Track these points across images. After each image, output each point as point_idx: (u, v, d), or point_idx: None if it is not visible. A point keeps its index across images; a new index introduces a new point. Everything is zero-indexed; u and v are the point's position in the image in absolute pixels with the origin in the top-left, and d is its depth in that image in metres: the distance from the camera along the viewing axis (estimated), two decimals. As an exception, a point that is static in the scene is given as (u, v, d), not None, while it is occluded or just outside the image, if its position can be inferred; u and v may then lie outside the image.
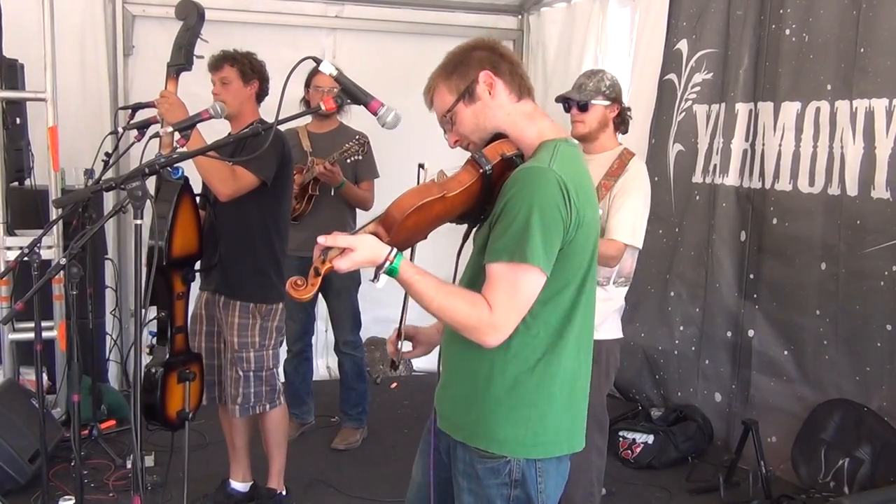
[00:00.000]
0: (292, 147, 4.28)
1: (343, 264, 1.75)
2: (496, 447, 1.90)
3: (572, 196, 1.81)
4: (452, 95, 1.94)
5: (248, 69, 3.38)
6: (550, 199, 1.78)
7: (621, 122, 3.23)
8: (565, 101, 3.18)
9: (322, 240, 1.77)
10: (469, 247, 2.04)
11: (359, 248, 1.76)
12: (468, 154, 1.95)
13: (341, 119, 4.42)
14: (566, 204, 1.80)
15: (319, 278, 1.74)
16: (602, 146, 3.16)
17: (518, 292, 1.81)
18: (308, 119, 4.37)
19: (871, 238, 3.67)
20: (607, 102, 3.15)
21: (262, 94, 3.47)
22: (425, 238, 1.97)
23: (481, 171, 1.87)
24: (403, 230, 1.84)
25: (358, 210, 4.41)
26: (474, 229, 2.02)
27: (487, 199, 1.91)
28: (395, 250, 1.79)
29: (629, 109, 3.25)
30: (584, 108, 3.13)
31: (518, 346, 1.87)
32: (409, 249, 2.01)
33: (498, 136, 1.95)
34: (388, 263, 1.77)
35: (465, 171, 1.90)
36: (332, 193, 4.22)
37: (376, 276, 1.79)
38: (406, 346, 2.16)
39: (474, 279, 1.90)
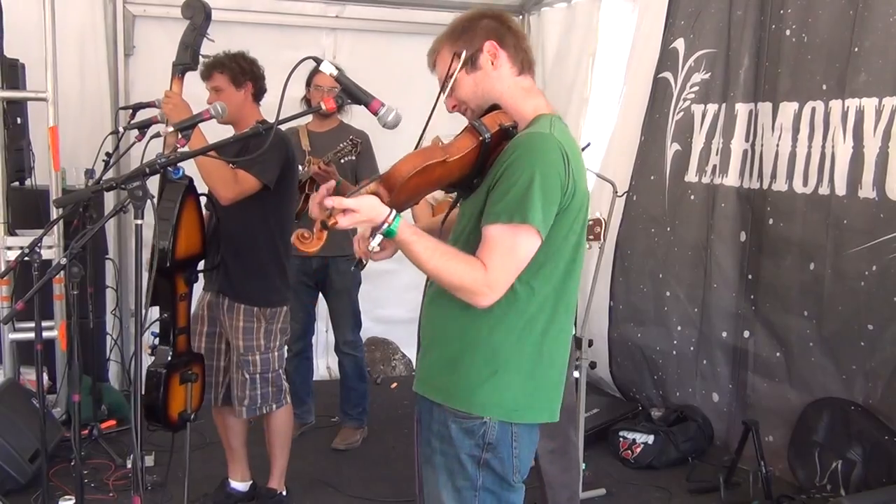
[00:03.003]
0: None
1: (345, 222, 1.77)
2: (477, 409, 1.91)
3: (571, 164, 1.85)
4: (456, 60, 1.96)
5: (238, 73, 3.32)
6: (552, 164, 1.82)
7: None
8: None
9: (329, 202, 1.77)
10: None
11: (361, 210, 1.77)
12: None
13: (342, 118, 4.42)
14: (566, 170, 1.83)
15: (325, 232, 1.76)
16: None
17: (514, 253, 1.83)
18: (309, 118, 4.37)
19: (856, 238, 3.68)
20: None
21: (259, 94, 3.42)
22: (417, 203, 2.02)
23: (480, 138, 1.89)
24: (405, 191, 1.86)
25: None
26: (462, 200, 2.04)
27: (480, 169, 1.93)
28: (394, 212, 1.80)
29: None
30: None
31: (506, 311, 1.88)
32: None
33: (494, 107, 1.98)
34: (386, 225, 1.79)
35: (465, 137, 1.91)
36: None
37: (373, 236, 1.81)
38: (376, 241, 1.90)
39: (461, 248, 1.92)
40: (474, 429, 1.92)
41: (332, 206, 1.77)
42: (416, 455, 2.11)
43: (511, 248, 1.82)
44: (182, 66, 3.09)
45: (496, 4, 5.91)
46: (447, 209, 1.94)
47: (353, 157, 4.20)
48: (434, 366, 2.00)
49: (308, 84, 4.24)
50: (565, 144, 1.86)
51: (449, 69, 1.96)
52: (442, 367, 1.97)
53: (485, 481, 1.95)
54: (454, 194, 2.10)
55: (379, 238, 1.81)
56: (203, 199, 3.25)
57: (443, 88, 1.98)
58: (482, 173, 1.92)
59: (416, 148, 1.93)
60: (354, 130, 4.32)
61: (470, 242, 1.89)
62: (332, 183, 1.85)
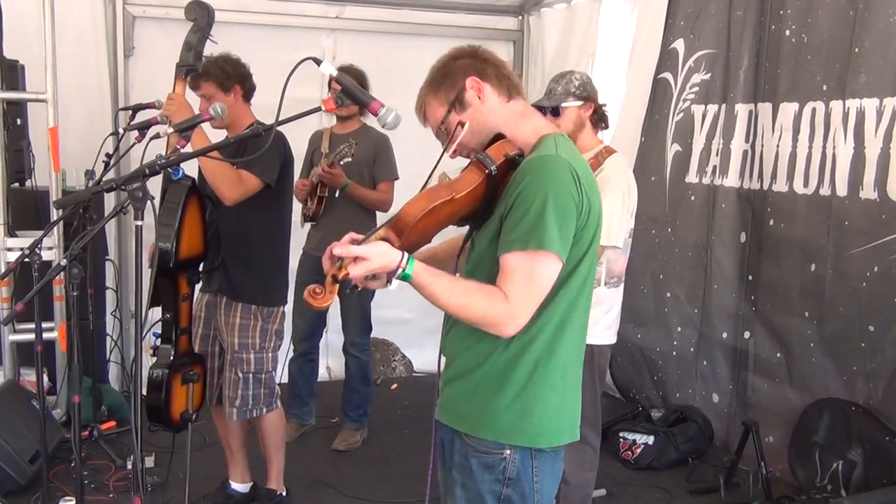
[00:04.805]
0: (315, 148, 4.33)
1: (357, 271, 1.74)
2: (501, 436, 1.89)
3: (582, 182, 1.83)
4: (443, 107, 1.96)
5: (224, 78, 3.28)
6: (563, 186, 1.80)
7: (599, 119, 3.22)
8: (539, 109, 3.09)
9: (338, 251, 1.75)
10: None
11: (372, 257, 1.74)
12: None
13: (365, 120, 4.40)
14: (578, 190, 1.81)
15: (337, 286, 1.72)
16: (582, 147, 3.12)
17: (534, 280, 1.81)
18: (333, 120, 4.44)
19: (858, 239, 3.68)
20: (580, 102, 3.12)
21: (248, 93, 3.40)
22: (430, 241, 1.96)
23: (487, 171, 1.87)
24: (414, 234, 1.84)
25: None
26: (475, 232, 2.01)
27: (490, 201, 1.91)
28: (406, 255, 1.78)
29: (604, 105, 3.23)
30: (556, 112, 3.09)
31: (526, 335, 1.86)
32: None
33: (497, 137, 1.96)
34: (400, 269, 1.76)
35: (471, 172, 1.89)
36: (336, 195, 4.21)
37: (389, 281, 1.78)
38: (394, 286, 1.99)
39: (475, 278, 1.89)
40: (494, 463, 1.89)
41: (342, 254, 1.74)
42: (429, 478, 2.07)
43: (530, 274, 1.80)
44: (185, 68, 3.09)
45: (496, 6, 5.94)
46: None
47: (350, 159, 4.18)
48: (457, 395, 1.97)
49: (329, 87, 4.23)
50: (574, 163, 1.84)
51: (453, 133, 1.94)
52: (465, 396, 1.93)
53: None
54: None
55: (397, 283, 1.78)
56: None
57: (447, 147, 1.96)
58: (492, 205, 1.90)
59: (423, 188, 1.91)
60: (377, 132, 4.30)
61: (485, 272, 1.87)
62: (352, 236, 1.80)
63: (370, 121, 4.37)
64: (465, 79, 1.94)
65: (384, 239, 1.81)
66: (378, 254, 1.75)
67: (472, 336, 1.89)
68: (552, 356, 1.89)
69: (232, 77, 3.31)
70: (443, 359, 2.05)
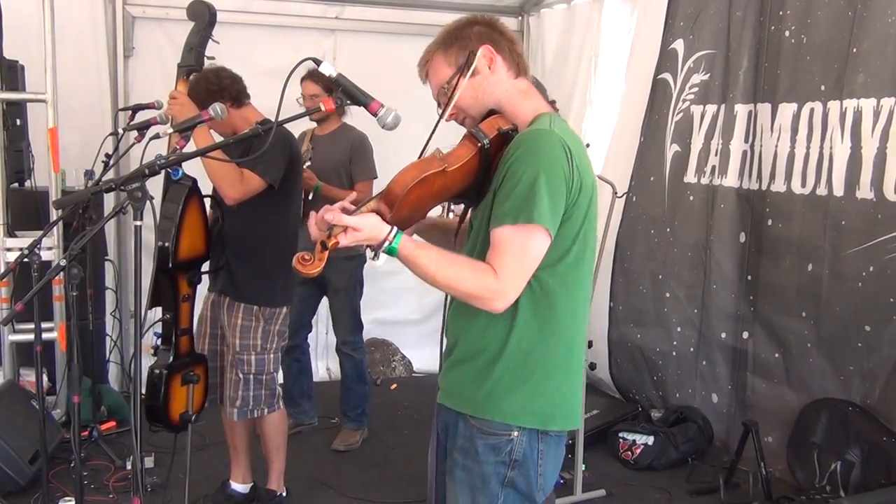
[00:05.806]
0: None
1: (346, 241, 1.75)
2: (510, 418, 1.87)
3: (574, 158, 1.82)
4: (451, 68, 1.94)
5: (205, 96, 3.15)
6: (555, 160, 1.79)
7: None
8: None
9: (329, 217, 1.76)
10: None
11: (363, 228, 1.75)
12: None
13: (344, 120, 4.40)
14: (569, 165, 1.81)
15: (326, 252, 1.72)
16: None
17: (524, 254, 1.80)
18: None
19: (854, 239, 3.68)
20: None
21: (237, 99, 3.29)
22: (424, 216, 1.96)
23: (479, 144, 1.87)
24: (406, 205, 1.82)
25: None
26: (471, 210, 2.01)
27: (485, 177, 1.90)
28: (395, 230, 1.78)
29: (554, 102, 3.23)
30: None
31: (531, 315, 1.86)
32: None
33: (492, 112, 1.95)
34: (387, 243, 1.77)
35: (464, 145, 1.89)
36: (310, 198, 4.20)
37: (376, 255, 1.78)
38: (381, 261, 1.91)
39: (476, 258, 1.89)
40: (500, 445, 1.88)
41: (332, 220, 1.74)
42: (435, 470, 2.08)
43: (520, 249, 1.79)
44: (187, 68, 3.08)
45: (496, 6, 5.93)
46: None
47: (310, 163, 4.17)
48: (462, 378, 1.95)
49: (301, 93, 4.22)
50: (567, 139, 1.84)
51: (454, 81, 1.92)
52: (471, 379, 1.92)
53: (506, 500, 1.91)
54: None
55: (384, 258, 1.78)
56: (207, 200, 3.25)
57: (449, 99, 1.93)
58: (487, 182, 1.89)
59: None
60: (354, 132, 4.32)
61: (484, 251, 1.85)
62: (344, 205, 1.81)
63: (350, 120, 4.38)
64: (479, 45, 1.92)
65: (375, 211, 1.81)
66: (368, 226, 1.76)
67: (476, 316, 1.88)
68: (560, 336, 1.89)
69: (211, 91, 3.19)
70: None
